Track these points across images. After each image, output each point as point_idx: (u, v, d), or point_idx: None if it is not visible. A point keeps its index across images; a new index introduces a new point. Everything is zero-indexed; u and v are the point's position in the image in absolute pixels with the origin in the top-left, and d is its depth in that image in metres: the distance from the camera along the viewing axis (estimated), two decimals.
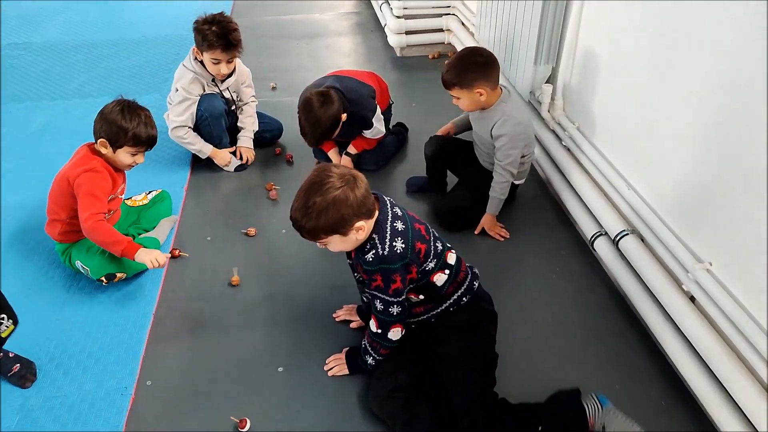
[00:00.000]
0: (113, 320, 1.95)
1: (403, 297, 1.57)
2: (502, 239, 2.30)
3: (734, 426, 1.48)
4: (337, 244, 1.53)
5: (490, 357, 1.68)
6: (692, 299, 1.72)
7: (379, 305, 1.58)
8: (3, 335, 1.40)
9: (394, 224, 1.55)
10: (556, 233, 2.36)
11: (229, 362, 1.82)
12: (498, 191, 2.25)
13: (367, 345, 1.67)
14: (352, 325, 1.92)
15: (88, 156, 2.04)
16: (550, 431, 1.54)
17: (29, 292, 2.05)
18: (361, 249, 1.56)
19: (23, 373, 1.72)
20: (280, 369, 1.79)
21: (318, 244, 1.54)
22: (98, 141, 2.01)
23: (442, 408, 1.60)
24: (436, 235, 1.67)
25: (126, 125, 1.99)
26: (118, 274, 2.05)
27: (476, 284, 1.73)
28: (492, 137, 2.19)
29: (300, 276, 2.15)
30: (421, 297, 1.65)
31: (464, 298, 1.68)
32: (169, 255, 2.11)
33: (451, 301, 1.67)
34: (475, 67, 2.10)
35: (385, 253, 1.51)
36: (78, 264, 2.05)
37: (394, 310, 1.57)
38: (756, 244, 1.48)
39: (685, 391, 1.70)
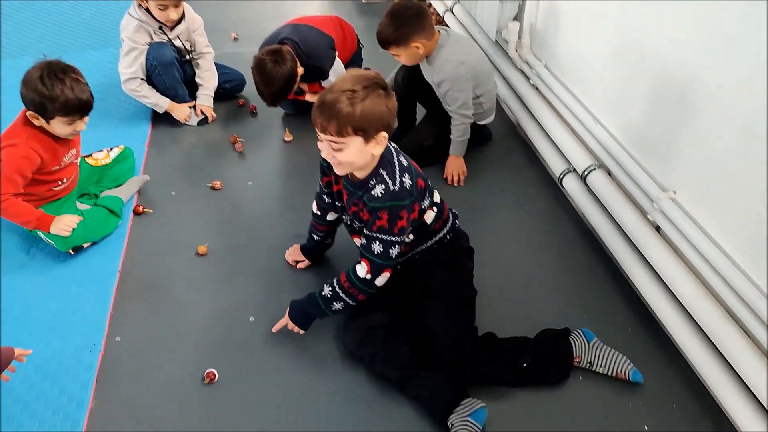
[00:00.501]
0: (77, 280, 1.91)
1: (405, 236, 1.53)
2: (457, 185, 2.28)
3: (697, 347, 1.52)
4: (353, 151, 1.41)
5: (469, 292, 1.69)
6: (657, 229, 1.73)
7: (378, 248, 1.51)
8: None
9: (400, 158, 1.53)
10: (525, 172, 2.35)
11: (200, 314, 1.80)
12: (456, 134, 2.23)
13: (341, 291, 1.58)
14: (300, 265, 1.92)
15: (17, 127, 1.90)
16: (536, 367, 1.57)
17: None
18: (365, 186, 1.51)
19: None
20: (251, 318, 1.78)
21: (332, 145, 1.41)
22: (27, 113, 1.86)
23: (420, 344, 1.61)
24: None
25: (50, 93, 1.80)
26: (86, 244, 2.00)
27: (457, 223, 1.74)
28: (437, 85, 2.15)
29: (266, 227, 2.13)
30: (411, 237, 1.63)
31: (447, 236, 1.69)
32: (80, 218, 1.99)
33: (437, 238, 1.67)
34: (407, 21, 2.06)
35: (396, 188, 1.47)
36: (40, 234, 1.98)
37: (395, 251, 1.52)
38: (718, 169, 1.49)
39: (649, 317, 1.74)
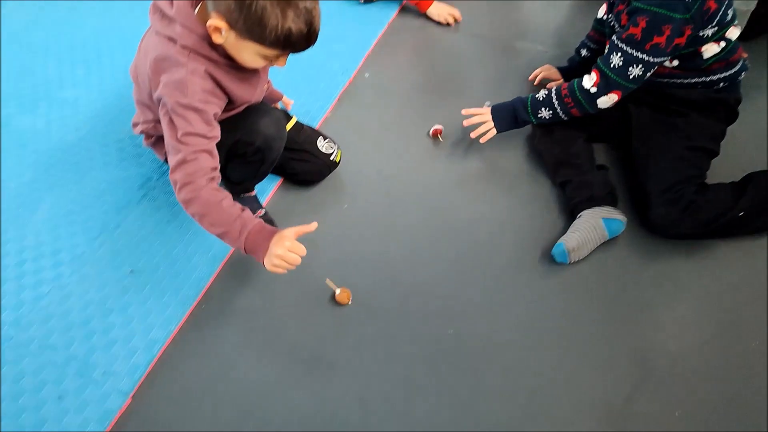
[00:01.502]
0: (359, 17, 2.11)
1: (658, 60, 1.31)
2: None
3: None
4: None
5: (710, 145, 1.42)
6: None
7: (617, 60, 1.33)
8: (337, 159, 1.50)
9: None
10: None
11: (437, 78, 1.87)
12: None
13: (555, 97, 1.44)
14: (551, 85, 1.75)
15: None
16: (753, 215, 1.34)
17: None
18: None
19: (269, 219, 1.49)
20: (487, 103, 1.76)
21: None
22: None
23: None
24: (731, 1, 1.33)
25: None
26: None
27: (741, 77, 1.42)
28: None
29: (534, 33, 2.05)
30: (675, 63, 1.39)
31: (721, 84, 1.40)
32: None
33: (707, 79, 1.39)
34: None
35: None
36: None
37: (635, 71, 1.32)
38: None
39: None
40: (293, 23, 0.99)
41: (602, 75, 1.36)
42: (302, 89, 1.77)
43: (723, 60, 1.36)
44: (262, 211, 1.43)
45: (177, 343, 1.22)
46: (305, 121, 1.57)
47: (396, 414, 1.13)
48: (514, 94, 1.73)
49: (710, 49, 1.33)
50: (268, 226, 1.08)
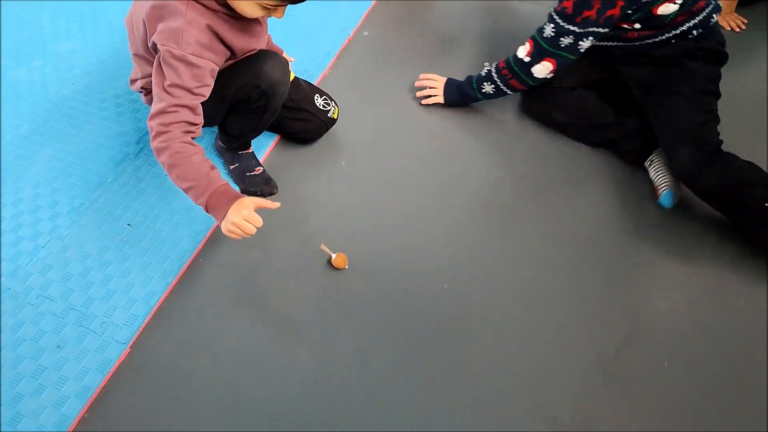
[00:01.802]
0: None
1: (591, 30, 1.31)
2: (739, 30, 1.88)
3: None
4: None
5: (708, 87, 1.38)
6: None
7: (548, 29, 1.35)
8: (335, 116, 1.49)
9: None
10: None
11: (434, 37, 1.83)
12: None
13: (494, 71, 1.48)
14: None
15: None
16: None
17: None
18: None
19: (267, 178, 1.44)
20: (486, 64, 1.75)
21: None
22: None
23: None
24: None
25: None
26: None
27: (714, 19, 1.38)
28: None
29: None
30: (637, 26, 1.37)
31: (694, 32, 1.37)
32: None
33: (677, 32, 1.37)
34: None
35: None
36: None
37: (566, 41, 1.34)
38: None
39: None
40: None
41: (535, 44, 1.40)
42: (301, 46, 1.74)
43: (686, 12, 1.34)
44: (261, 169, 1.42)
45: (175, 295, 1.23)
46: (303, 78, 1.55)
47: (393, 372, 1.14)
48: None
49: (667, 9, 1.32)
50: (232, 189, 1.07)
